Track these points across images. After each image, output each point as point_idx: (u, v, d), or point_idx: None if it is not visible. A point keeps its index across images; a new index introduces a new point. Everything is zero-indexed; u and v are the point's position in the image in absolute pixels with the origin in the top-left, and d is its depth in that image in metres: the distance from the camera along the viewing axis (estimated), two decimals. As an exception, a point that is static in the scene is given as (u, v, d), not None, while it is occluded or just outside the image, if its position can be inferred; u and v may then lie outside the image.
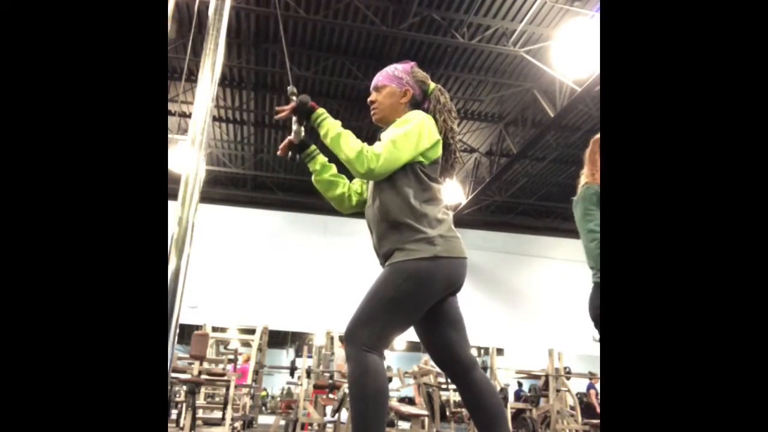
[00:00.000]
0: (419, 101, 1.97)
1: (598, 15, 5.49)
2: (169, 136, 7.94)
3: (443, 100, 1.96)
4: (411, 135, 1.77)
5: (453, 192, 10.03)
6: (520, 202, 11.62)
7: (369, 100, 1.98)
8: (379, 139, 1.93)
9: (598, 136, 2.55)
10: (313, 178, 2.05)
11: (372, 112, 1.98)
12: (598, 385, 8.54)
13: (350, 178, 2.06)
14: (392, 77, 1.95)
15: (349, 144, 1.76)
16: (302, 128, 1.91)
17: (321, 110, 1.84)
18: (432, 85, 2.00)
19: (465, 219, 11.02)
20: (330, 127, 1.79)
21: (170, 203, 0.68)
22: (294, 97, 1.88)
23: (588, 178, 2.52)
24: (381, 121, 1.96)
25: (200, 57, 2.17)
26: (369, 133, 9.29)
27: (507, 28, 6.82)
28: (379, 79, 1.97)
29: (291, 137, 1.92)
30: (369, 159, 1.73)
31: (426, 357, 8.55)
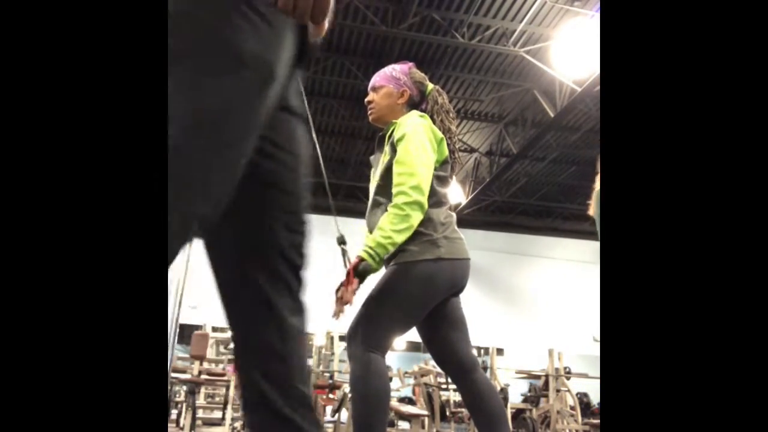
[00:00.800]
0: (417, 102, 1.97)
1: (598, 15, 5.49)
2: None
3: (441, 100, 1.96)
4: (425, 144, 1.75)
5: (453, 192, 10.02)
6: (520, 202, 11.61)
7: (366, 100, 1.98)
8: (379, 148, 1.92)
9: None
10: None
11: (369, 112, 1.97)
12: None
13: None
14: (390, 78, 1.95)
15: (396, 228, 1.68)
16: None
17: (362, 256, 1.70)
18: (430, 86, 2.00)
19: (465, 219, 11.00)
20: (379, 243, 1.67)
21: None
22: (344, 245, 1.73)
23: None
24: (378, 121, 1.96)
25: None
26: (368, 133, 9.29)
27: (507, 28, 6.82)
28: (376, 79, 1.97)
29: (346, 296, 1.70)
30: (414, 201, 1.68)
31: (427, 357, 8.55)
